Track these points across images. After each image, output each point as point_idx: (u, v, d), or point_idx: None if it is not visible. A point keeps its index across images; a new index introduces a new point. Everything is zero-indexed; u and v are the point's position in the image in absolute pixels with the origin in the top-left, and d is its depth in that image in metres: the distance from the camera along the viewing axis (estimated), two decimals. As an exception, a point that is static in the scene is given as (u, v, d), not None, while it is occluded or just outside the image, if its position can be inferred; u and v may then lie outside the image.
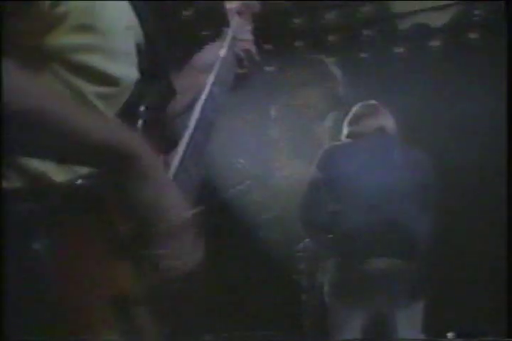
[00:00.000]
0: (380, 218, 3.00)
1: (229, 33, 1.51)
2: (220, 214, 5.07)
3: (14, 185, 0.92)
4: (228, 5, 1.59)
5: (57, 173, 0.95)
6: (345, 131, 3.36)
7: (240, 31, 1.51)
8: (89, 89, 1.06)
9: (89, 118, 0.92)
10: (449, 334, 4.16)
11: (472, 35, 4.80)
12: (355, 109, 3.40)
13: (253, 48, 1.52)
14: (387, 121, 3.32)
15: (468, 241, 4.64)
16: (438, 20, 4.88)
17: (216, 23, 1.58)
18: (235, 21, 1.55)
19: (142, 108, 1.09)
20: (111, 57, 1.08)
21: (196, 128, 1.20)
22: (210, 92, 1.30)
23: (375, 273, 2.95)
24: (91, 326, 0.86)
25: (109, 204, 0.91)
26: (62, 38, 1.02)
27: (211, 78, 1.35)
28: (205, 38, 1.50)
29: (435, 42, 4.98)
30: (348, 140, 3.31)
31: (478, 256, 4.60)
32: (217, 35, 1.55)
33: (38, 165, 0.95)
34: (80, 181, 0.92)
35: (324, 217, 3.11)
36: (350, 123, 3.34)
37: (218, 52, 1.45)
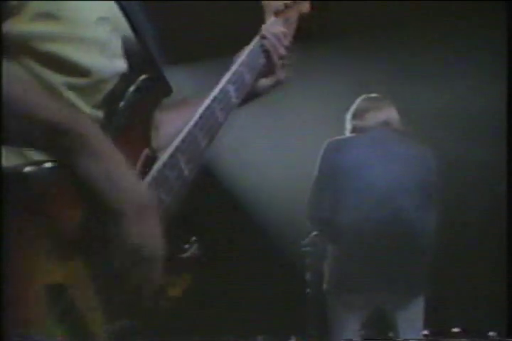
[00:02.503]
0: (382, 212, 2.98)
1: (261, 32, 1.43)
2: (226, 209, 5.08)
3: None
4: (266, 2, 1.50)
5: (6, 159, 0.94)
6: (348, 125, 3.33)
7: (270, 30, 1.43)
8: (59, 79, 1.05)
9: (40, 98, 0.93)
10: (454, 330, 4.16)
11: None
12: (357, 102, 3.37)
13: (283, 47, 1.43)
14: (392, 115, 3.28)
15: (469, 238, 4.61)
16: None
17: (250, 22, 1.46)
18: (269, 21, 1.48)
19: (122, 103, 1.08)
20: (81, 47, 1.07)
21: (197, 124, 1.16)
22: (223, 90, 1.25)
23: (376, 267, 2.94)
24: (29, 316, 0.86)
25: (56, 191, 0.92)
26: (24, 26, 1.01)
27: (227, 75, 1.29)
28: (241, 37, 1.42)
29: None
30: (352, 134, 3.29)
31: (478, 253, 4.58)
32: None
33: None
34: (27, 168, 0.91)
35: (328, 211, 3.10)
36: (354, 118, 3.31)
37: (243, 51, 1.38)
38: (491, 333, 4.05)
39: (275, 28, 1.44)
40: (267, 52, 1.40)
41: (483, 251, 4.56)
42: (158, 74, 1.18)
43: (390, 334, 3.17)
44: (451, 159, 4.34)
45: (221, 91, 1.24)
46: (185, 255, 1.13)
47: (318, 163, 3.18)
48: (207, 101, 1.21)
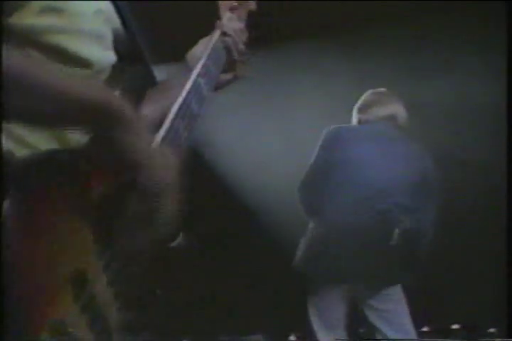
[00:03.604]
0: (375, 206, 2.98)
1: (218, 27, 1.51)
2: (223, 204, 5.09)
3: None
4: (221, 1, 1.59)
5: (19, 151, 0.96)
6: (354, 118, 3.32)
7: (230, 26, 1.50)
8: (63, 70, 1.07)
9: (73, 80, 0.94)
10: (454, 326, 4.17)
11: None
12: (364, 96, 3.37)
13: (242, 44, 1.51)
14: (398, 110, 3.27)
15: (469, 235, 4.61)
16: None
17: (207, 18, 1.57)
18: (226, 16, 1.55)
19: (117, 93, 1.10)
20: (82, 39, 1.10)
21: (177, 116, 1.19)
22: (195, 83, 1.29)
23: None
24: (51, 304, 0.85)
25: (84, 166, 0.93)
26: (30, 19, 1.04)
27: (197, 69, 1.34)
28: (196, 33, 1.50)
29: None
30: (355, 124, 3.28)
31: (477, 250, 4.58)
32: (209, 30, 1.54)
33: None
34: (44, 154, 0.92)
35: (320, 199, 3.09)
36: (360, 111, 3.31)
37: (207, 45, 1.44)
38: (491, 330, 4.05)
39: (235, 24, 1.51)
40: (228, 48, 1.48)
41: (482, 247, 4.56)
42: (145, 66, 1.19)
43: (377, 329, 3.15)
44: (450, 157, 4.34)
45: (194, 83, 1.29)
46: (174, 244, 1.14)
47: (317, 150, 3.17)
48: (183, 94, 1.24)
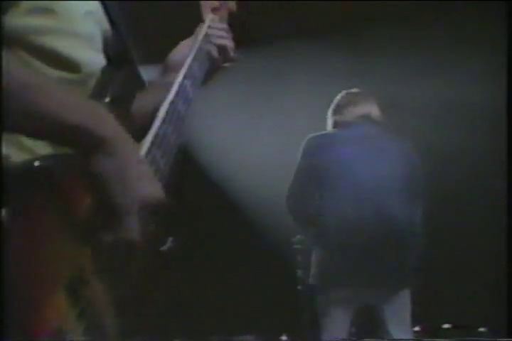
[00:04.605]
0: (368, 208, 2.99)
1: (202, 28, 1.52)
2: (216, 206, 5.09)
3: None
4: (203, 2, 1.60)
5: (17, 155, 0.95)
6: (329, 121, 3.33)
7: (213, 28, 1.52)
8: (52, 74, 1.06)
9: (67, 97, 0.93)
10: (445, 326, 4.18)
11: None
12: (338, 98, 3.38)
13: (227, 44, 1.52)
14: (372, 109, 3.29)
15: (461, 237, 4.63)
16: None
17: (191, 19, 1.58)
18: (208, 18, 1.56)
19: (107, 98, 1.10)
20: (72, 41, 1.08)
21: (165, 120, 1.20)
22: (181, 85, 1.30)
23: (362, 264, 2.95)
24: (47, 307, 0.85)
25: (69, 183, 0.92)
26: (18, 19, 1.02)
27: (182, 71, 1.35)
28: (179, 34, 1.51)
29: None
30: (333, 129, 3.29)
31: (469, 252, 4.59)
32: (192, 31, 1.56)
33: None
34: (37, 162, 0.92)
35: (311, 208, 3.11)
36: (334, 113, 3.32)
37: (192, 47, 1.45)
38: (481, 329, 4.07)
39: (219, 25, 1.53)
40: (214, 48, 1.49)
41: (473, 247, 4.58)
42: (133, 69, 1.19)
43: (380, 331, 3.16)
44: (437, 151, 4.35)
45: (180, 85, 1.29)
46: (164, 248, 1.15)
47: (298, 160, 3.18)
48: (169, 96, 1.24)
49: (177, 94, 1.26)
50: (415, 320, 3.21)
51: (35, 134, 0.93)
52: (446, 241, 4.39)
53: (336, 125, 3.28)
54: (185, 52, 1.43)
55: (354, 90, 3.40)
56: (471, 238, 4.59)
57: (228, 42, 1.52)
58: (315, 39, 5.00)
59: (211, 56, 1.48)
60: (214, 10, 1.58)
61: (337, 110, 3.29)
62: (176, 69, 1.39)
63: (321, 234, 3.09)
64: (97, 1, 1.17)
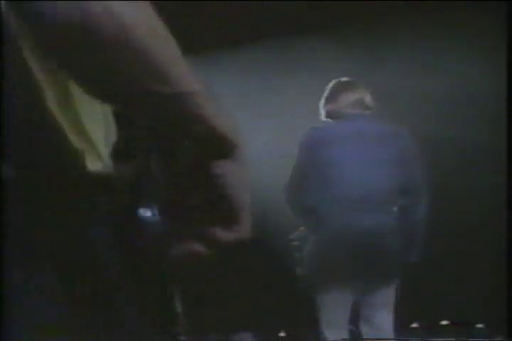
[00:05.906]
0: (365, 204, 2.99)
1: None
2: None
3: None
4: None
5: (93, 162, 0.95)
6: (322, 110, 3.33)
7: None
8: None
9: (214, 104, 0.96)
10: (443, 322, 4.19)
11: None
12: (329, 86, 3.37)
13: None
14: (363, 95, 3.28)
15: (459, 235, 4.63)
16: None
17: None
18: None
19: None
20: None
21: None
22: None
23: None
24: None
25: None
26: None
27: None
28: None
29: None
30: (328, 121, 3.28)
31: (467, 250, 4.59)
32: None
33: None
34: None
35: (309, 198, 3.11)
36: (327, 101, 3.31)
37: None
38: (479, 325, 4.08)
39: None
40: None
41: (472, 245, 4.58)
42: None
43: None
44: (430, 137, 4.35)
45: None
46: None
47: (297, 153, 3.18)
48: None
49: None
50: (413, 316, 3.22)
51: (195, 136, 0.94)
52: (444, 238, 4.39)
53: (328, 114, 3.27)
54: None
55: (344, 79, 3.39)
56: (470, 234, 4.59)
57: None
58: (314, 36, 5.00)
59: None
60: None
61: (330, 98, 3.28)
62: None
63: (317, 226, 3.08)
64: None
